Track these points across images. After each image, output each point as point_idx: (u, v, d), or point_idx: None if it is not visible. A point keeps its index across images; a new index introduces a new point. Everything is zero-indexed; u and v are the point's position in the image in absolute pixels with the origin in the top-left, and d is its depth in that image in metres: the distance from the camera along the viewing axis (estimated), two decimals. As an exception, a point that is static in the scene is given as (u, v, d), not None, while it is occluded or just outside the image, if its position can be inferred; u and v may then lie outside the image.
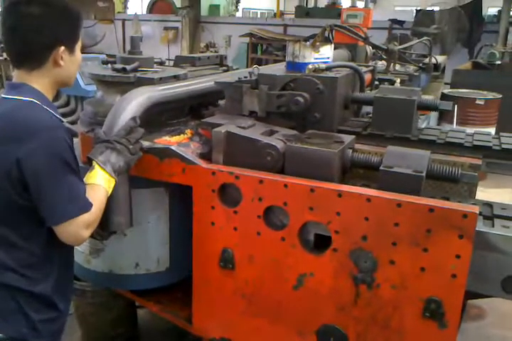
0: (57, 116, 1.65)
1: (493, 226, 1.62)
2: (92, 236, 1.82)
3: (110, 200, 1.75)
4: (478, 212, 1.46)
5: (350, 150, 1.82)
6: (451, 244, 1.50)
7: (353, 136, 1.93)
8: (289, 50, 2.21)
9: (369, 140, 2.05)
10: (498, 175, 6.41)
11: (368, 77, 2.67)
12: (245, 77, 2.10)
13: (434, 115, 4.57)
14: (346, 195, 1.62)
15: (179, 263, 2.16)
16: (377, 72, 3.88)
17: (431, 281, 1.55)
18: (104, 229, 1.83)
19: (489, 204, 1.79)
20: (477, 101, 5.44)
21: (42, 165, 1.51)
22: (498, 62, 7.05)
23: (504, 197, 5.51)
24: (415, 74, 4.07)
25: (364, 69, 2.69)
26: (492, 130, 5.50)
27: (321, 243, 1.76)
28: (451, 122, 5.11)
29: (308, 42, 2.17)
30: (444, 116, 5.36)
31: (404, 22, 10.71)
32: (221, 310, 2.00)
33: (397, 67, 4.27)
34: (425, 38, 4.77)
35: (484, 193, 5.37)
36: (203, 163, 1.87)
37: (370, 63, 4.28)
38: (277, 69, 2.33)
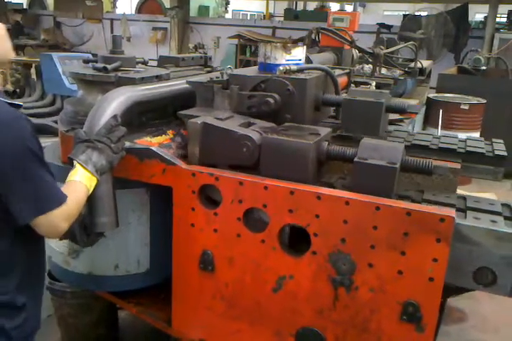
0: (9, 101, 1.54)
1: (465, 218, 1.62)
2: (75, 241, 1.79)
3: (94, 200, 1.74)
4: (454, 216, 1.46)
5: (326, 143, 1.81)
6: (428, 248, 1.50)
7: (329, 129, 1.93)
8: (261, 51, 2.22)
9: (339, 141, 2.04)
10: (481, 179, 6.46)
11: (343, 79, 2.68)
12: (217, 77, 2.10)
13: (419, 119, 4.60)
14: (325, 198, 1.62)
15: (159, 265, 2.14)
16: (365, 76, 3.90)
17: (408, 285, 1.55)
18: (89, 230, 1.80)
19: (463, 197, 1.80)
20: (462, 106, 5.49)
21: (8, 159, 1.43)
22: (484, 68, 7.11)
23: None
24: (400, 78, 4.11)
25: (340, 72, 2.71)
26: (476, 134, 5.55)
27: (299, 244, 1.75)
28: (436, 126, 5.15)
29: (279, 44, 2.17)
30: (429, 121, 5.41)
31: (392, 26, 10.79)
32: (200, 312, 1.98)
33: (384, 71, 4.30)
34: (411, 42, 4.81)
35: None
36: (183, 164, 1.85)
37: (357, 67, 4.31)
38: (251, 70, 2.33)
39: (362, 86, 2.88)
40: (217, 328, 1.97)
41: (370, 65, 4.18)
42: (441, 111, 5.19)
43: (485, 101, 5.71)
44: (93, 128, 1.78)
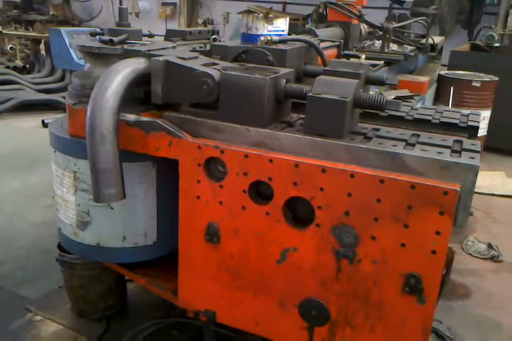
0: None
1: (412, 150, 1.62)
2: None
3: (100, 172, 1.75)
4: (458, 190, 1.46)
5: (284, 80, 1.80)
6: (431, 221, 1.50)
7: (292, 70, 1.93)
8: (243, 21, 2.22)
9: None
10: (491, 157, 6.41)
11: (332, 52, 2.67)
12: (201, 47, 2.11)
13: (429, 96, 4.55)
14: (330, 171, 1.61)
15: (166, 237, 2.17)
16: (373, 52, 3.81)
17: (411, 257, 1.56)
18: (96, 201, 1.82)
19: (417, 135, 1.80)
20: (473, 83, 5.40)
21: None
22: (497, 45, 6.95)
23: (495, 179, 5.54)
24: (411, 54, 4.04)
25: (329, 44, 2.70)
26: (488, 112, 5.48)
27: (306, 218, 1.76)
28: (447, 104, 5.09)
29: (261, 15, 2.17)
30: (440, 98, 5.34)
31: (404, 2, 10.56)
32: (206, 283, 2.01)
33: (395, 47, 4.23)
34: (422, 17, 4.72)
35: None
36: (189, 137, 1.85)
37: (368, 42, 4.24)
38: (236, 41, 2.33)
39: (352, 59, 2.84)
40: (222, 299, 1.99)
41: (381, 41, 4.13)
42: (452, 88, 5.12)
43: (497, 78, 5.62)
44: (98, 101, 1.76)
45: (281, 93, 1.79)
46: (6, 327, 2.85)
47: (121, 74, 1.84)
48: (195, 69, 1.81)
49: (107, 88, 1.79)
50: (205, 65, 1.90)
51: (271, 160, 1.71)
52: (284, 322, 1.87)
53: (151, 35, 2.51)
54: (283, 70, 1.88)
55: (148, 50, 2.04)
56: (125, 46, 2.07)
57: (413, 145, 1.67)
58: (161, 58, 1.87)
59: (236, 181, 1.80)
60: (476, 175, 1.48)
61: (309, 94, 1.68)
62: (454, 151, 1.63)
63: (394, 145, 1.63)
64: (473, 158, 1.54)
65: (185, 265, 2.05)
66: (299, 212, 1.78)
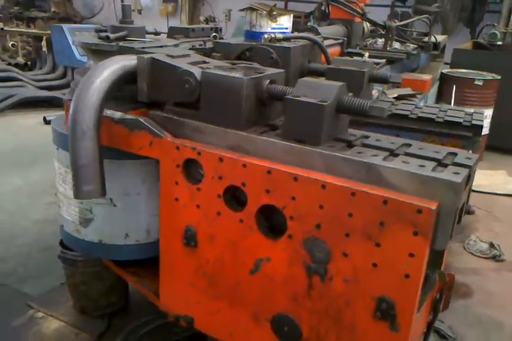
0: None
1: (392, 161, 1.39)
2: None
3: (79, 169, 1.68)
4: (433, 208, 1.22)
5: (268, 81, 1.62)
6: (404, 241, 1.27)
7: (282, 71, 1.78)
8: (247, 19, 2.11)
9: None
10: (493, 156, 6.40)
11: (335, 50, 2.52)
12: (200, 45, 2.00)
13: (431, 94, 4.52)
14: (302, 180, 1.41)
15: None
16: (376, 50, 3.80)
17: (383, 279, 1.34)
18: (75, 197, 1.74)
19: (409, 144, 1.58)
20: (475, 82, 5.31)
21: None
22: (499, 43, 6.63)
23: (497, 178, 5.53)
24: (414, 53, 3.98)
25: (332, 41, 2.57)
26: (490, 111, 5.46)
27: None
28: (450, 102, 5.08)
29: (265, 12, 2.05)
30: (443, 97, 5.23)
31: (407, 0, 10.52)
32: (184, 288, 1.86)
33: (397, 45, 4.19)
34: (425, 15, 4.68)
35: (476, 174, 5.40)
36: (169, 137, 1.71)
37: (370, 40, 4.22)
38: (239, 39, 2.22)
39: (355, 57, 2.83)
40: (199, 305, 1.84)
41: (384, 39, 4.12)
42: (454, 86, 5.09)
43: (500, 77, 5.51)
44: (81, 97, 1.69)
45: (264, 94, 1.63)
46: (8, 324, 2.79)
47: (107, 71, 1.75)
48: (178, 68, 1.70)
49: (91, 83, 1.71)
50: (193, 63, 1.77)
51: (244, 165, 1.53)
52: (257, 337, 1.69)
53: (157, 33, 2.52)
54: (271, 71, 1.72)
55: (143, 48, 1.96)
56: (121, 43, 1.99)
57: (397, 155, 1.43)
58: (146, 56, 1.77)
59: (212, 185, 1.63)
60: (457, 193, 1.23)
61: (287, 96, 1.50)
62: (440, 165, 1.37)
63: (374, 156, 1.39)
64: (457, 173, 1.28)
65: (166, 268, 1.91)
66: (276, 221, 1.59)
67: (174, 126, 1.76)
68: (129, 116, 1.81)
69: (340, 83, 1.52)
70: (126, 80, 1.81)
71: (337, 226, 1.39)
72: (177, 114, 1.77)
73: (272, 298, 1.61)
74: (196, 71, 1.67)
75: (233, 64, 1.89)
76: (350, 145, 1.52)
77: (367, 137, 1.60)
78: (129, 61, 1.82)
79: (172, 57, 1.80)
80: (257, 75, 1.61)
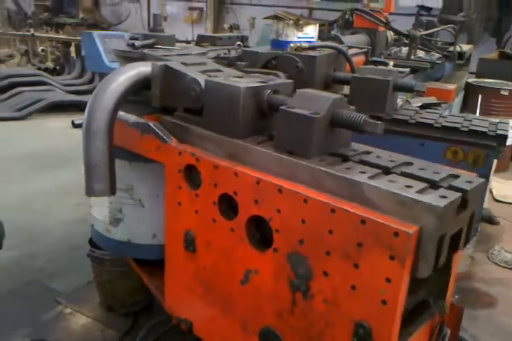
0: None
1: (379, 179, 1.29)
2: None
3: (90, 167, 1.73)
4: (411, 232, 1.12)
5: (269, 91, 1.57)
6: (381, 265, 1.19)
7: (290, 81, 1.74)
8: (274, 28, 2.11)
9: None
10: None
11: (360, 58, 2.50)
12: (225, 54, 2.00)
13: (456, 104, 4.51)
14: (286, 192, 1.36)
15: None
16: (400, 59, 3.81)
17: (361, 303, 1.25)
18: (87, 194, 1.79)
19: (410, 163, 1.46)
20: (501, 92, 5.26)
21: None
22: None
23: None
24: (438, 62, 3.76)
25: (356, 50, 2.54)
26: (515, 121, 5.39)
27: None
28: (475, 112, 5.04)
29: (291, 21, 2.04)
30: (468, 106, 4.98)
31: (431, 8, 10.44)
32: (185, 292, 1.87)
33: (422, 54, 4.19)
34: (450, 25, 4.65)
35: (502, 184, 5.33)
36: (173, 142, 1.73)
37: (394, 49, 4.25)
38: (265, 48, 2.22)
39: (380, 66, 2.86)
40: (198, 310, 1.83)
41: (408, 48, 4.13)
42: (480, 96, 5.04)
43: (526, 87, 5.52)
44: (96, 99, 1.74)
45: (265, 104, 1.60)
46: (38, 318, 2.91)
47: (124, 76, 1.81)
48: (186, 75, 1.73)
49: (107, 87, 1.77)
50: (205, 71, 1.79)
51: (236, 174, 1.51)
52: (245, 349, 1.61)
53: (187, 42, 2.60)
54: (277, 80, 1.70)
55: (164, 55, 2.02)
56: (145, 50, 2.06)
57: (389, 174, 1.34)
58: (160, 63, 1.82)
59: (208, 191, 1.63)
60: (440, 219, 1.12)
61: (282, 107, 1.45)
62: (433, 186, 1.26)
63: (361, 172, 1.30)
64: (444, 197, 1.16)
65: (170, 271, 1.92)
66: (268, 233, 1.55)
67: (181, 131, 1.78)
68: (141, 120, 1.85)
69: (338, 95, 1.47)
70: (142, 85, 1.86)
71: (318, 243, 1.32)
72: (185, 120, 1.79)
73: (259, 311, 1.57)
74: (202, 79, 1.69)
75: (251, 72, 1.89)
76: (345, 160, 1.45)
77: (368, 153, 1.52)
78: (145, 67, 1.86)
79: (186, 65, 1.83)
80: (257, 84, 1.57)
